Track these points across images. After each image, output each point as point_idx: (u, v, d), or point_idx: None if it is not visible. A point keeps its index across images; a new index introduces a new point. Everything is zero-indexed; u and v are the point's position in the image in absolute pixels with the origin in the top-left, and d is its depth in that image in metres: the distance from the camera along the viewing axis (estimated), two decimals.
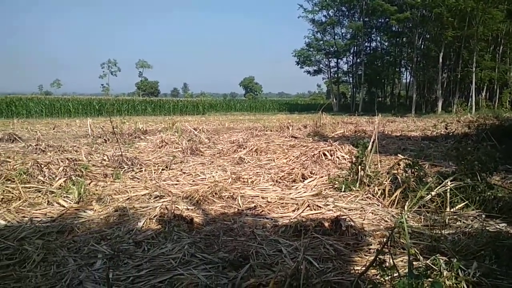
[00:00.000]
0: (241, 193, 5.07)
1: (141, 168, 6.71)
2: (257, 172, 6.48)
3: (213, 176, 6.17)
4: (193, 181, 5.96)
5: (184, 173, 6.53)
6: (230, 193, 5.04)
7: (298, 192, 5.14)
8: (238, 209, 4.44)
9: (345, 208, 4.43)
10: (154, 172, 6.41)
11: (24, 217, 4.03)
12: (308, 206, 4.41)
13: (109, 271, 2.59)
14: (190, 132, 12.52)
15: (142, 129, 13.52)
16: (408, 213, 4.11)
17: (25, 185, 4.99)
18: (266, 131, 13.84)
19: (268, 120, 22.67)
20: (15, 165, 6.10)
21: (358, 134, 12.79)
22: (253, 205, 4.60)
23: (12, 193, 4.70)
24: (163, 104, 41.88)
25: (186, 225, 3.77)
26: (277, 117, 30.27)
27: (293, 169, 6.36)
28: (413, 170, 4.74)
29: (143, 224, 3.72)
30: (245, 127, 16.81)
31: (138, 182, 5.77)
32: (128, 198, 4.80)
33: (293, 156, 7.81)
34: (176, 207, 4.25)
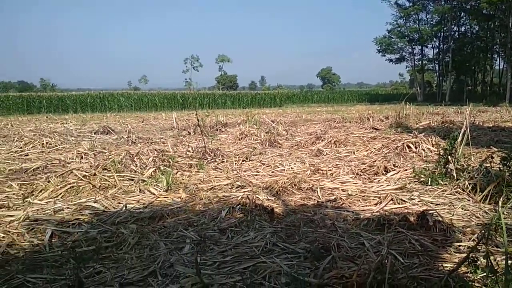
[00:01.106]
0: (320, 185, 5.05)
1: (222, 159, 6.94)
2: (336, 164, 6.40)
3: (291, 168, 6.21)
4: (272, 172, 6.04)
5: (263, 164, 6.65)
6: (309, 185, 5.04)
7: (381, 185, 5.00)
8: (317, 201, 4.43)
9: (431, 203, 4.23)
10: (235, 163, 6.60)
11: (119, 203, 4.38)
12: (392, 200, 4.27)
13: (197, 256, 2.73)
14: (268, 124, 12.68)
15: (222, 122, 13.95)
16: (504, 210, 3.81)
17: (120, 174, 5.41)
18: (345, 122, 13.57)
19: (347, 111, 22.16)
20: (109, 155, 6.63)
21: (446, 125, 12.04)
22: (333, 197, 4.56)
23: (109, 181, 5.14)
24: (242, 97, 42.78)
25: (267, 215, 3.85)
26: (356, 108, 29.50)
27: (375, 161, 6.19)
28: (508, 163, 4.38)
29: (227, 212, 3.87)
30: (323, 119, 16.62)
31: (221, 172, 5.99)
32: (212, 188, 5.01)
33: (374, 148, 7.58)
34: (257, 197, 4.35)
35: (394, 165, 5.89)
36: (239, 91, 70.24)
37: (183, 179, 5.45)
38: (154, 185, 5.00)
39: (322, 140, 8.73)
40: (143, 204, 4.35)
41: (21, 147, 8.67)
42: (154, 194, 4.68)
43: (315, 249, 2.92)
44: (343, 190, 4.86)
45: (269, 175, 5.83)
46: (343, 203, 4.32)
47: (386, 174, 5.56)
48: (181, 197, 4.60)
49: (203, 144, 7.66)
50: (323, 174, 5.76)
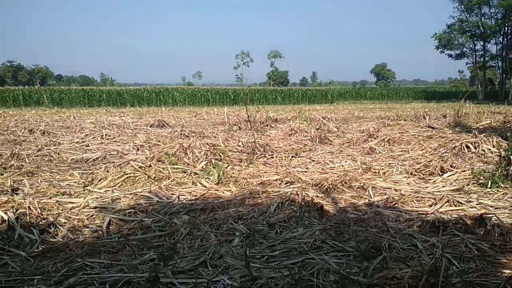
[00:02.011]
0: (372, 184, 4.94)
1: (272, 154, 6.96)
2: (389, 163, 6.23)
3: (342, 165, 6.13)
4: (322, 169, 5.99)
5: (313, 161, 6.60)
6: (360, 183, 4.95)
7: (436, 186, 4.81)
8: (369, 200, 4.34)
9: (491, 206, 4.02)
10: (285, 159, 6.60)
11: (172, 194, 4.53)
12: (448, 201, 4.10)
13: (247, 249, 2.77)
14: (319, 120, 12.56)
15: (273, 118, 13.99)
16: None
17: (173, 166, 5.58)
18: (400, 120, 13.15)
19: (402, 109, 21.46)
20: (164, 148, 6.85)
21: (508, 126, 11.35)
22: (385, 196, 4.45)
23: (163, 173, 5.31)
24: (292, 93, 42.58)
25: (316, 211, 3.83)
26: (412, 105, 28.49)
27: (430, 161, 5.95)
28: None
29: (276, 207, 3.88)
30: (376, 116, 16.20)
31: (270, 167, 6.02)
32: (261, 182, 5.05)
33: (430, 148, 7.30)
34: (306, 193, 4.33)
35: (451, 166, 5.65)
36: (290, 87, 70.01)
37: (233, 173, 5.54)
38: (206, 178, 5.12)
39: (375, 138, 8.52)
40: (195, 196, 4.47)
41: (82, 138, 9.16)
42: (206, 187, 4.79)
43: (365, 249, 2.87)
44: (396, 190, 4.73)
45: (319, 172, 5.78)
46: (395, 203, 4.20)
47: (442, 174, 5.34)
48: (231, 190, 4.67)
49: (253, 139, 7.72)
50: (375, 172, 5.63)
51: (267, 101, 39.44)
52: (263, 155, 6.89)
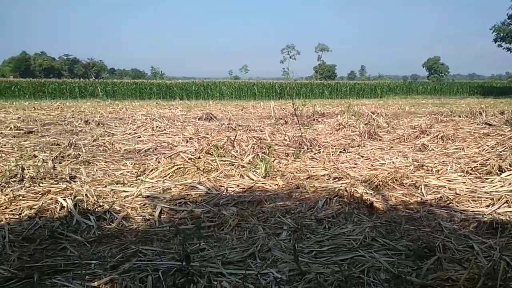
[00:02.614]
0: (424, 181, 4.77)
1: (319, 149, 6.89)
2: (443, 161, 5.98)
3: (393, 162, 5.96)
4: (372, 165, 5.85)
5: (362, 156, 6.47)
6: (412, 181, 4.79)
7: (494, 186, 4.57)
8: (421, 199, 4.20)
9: None
10: (332, 154, 6.51)
11: (221, 186, 4.60)
12: (506, 202, 3.89)
13: (296, 243, 2.77)
14: (368, 115, 12.27)
15: (319, 112, 13.82)
16: None
17: (221, 159, 5.66)
18: (454, 116, 12.60)
19: (456, 105, 20.52)
20: (212, 140, 6.95)
21: None
22: (438, 195, 4.28)
23: (211, 165, 5.40)
24: (340, 87, 41.82)
25: (366, 208, 3.76)
26: (467, 101, 27.19)
27: (488, 159, 5.66)
28: None
29: (324, 203, 3.85)
30: (428, 112, 15.61)
31: (317, 162, 5.96)
32: (309, 177, 5.01)
33: (487, 146, 6.94)
34: (355, 190, 4.25)
35: (510, 165, 5.34)
36: (337, 81, 68.83)
37: (280, 167, 5.53)
38: (253, 171, 5.15)
39: (427, 135, 8.21)
40: (243, 188, 4.51)
41: (134, 130, 9.48)
42: (253, 180, 4.82)
43: (418, 248, 2.78)
44: (450, 189, 4.54)
45: (368, 168, 5.66)
46: (449, 202, 4.04)
47: (500, 174, 5.06)
48: (278, 184, 4.67)
49: (300, 134, 7.67)
50: (427, 170, 5.43)
51: (314, 95, 39.01)
52: (310, 150, 6.83)
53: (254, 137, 7.40)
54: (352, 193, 4.01)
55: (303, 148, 6.88)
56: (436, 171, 5.38)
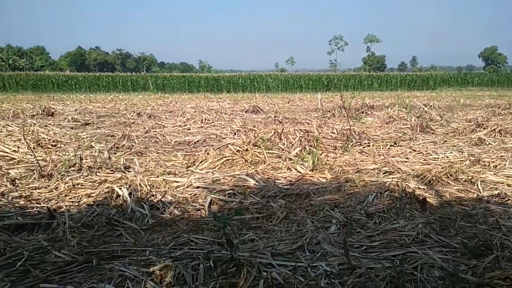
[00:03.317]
0: (481, 177, 4.55)
1: (368, 142, 6.75)
2: (501, 156, 5.68)
3: (447, 156, 5.72)
4: (424, 159, 5.66)
5: (414, 150, 6.26)
6: (467, 176, 4.58)
7: None
8: (477, 195, 4.01)
9: None
10: (382, 148, 6.36)
11: (268, 178, 4.62)
12: None
13: (346, 237, 2.74)
14: (420, 108, 11.84)
15: (369, 104, 13.51)
16: None
17: (268, 151, 5.68)
18: None
19: None
20: (259, 133, 6.99)
21: None
22: (496, 192, 4.08)
23: (259, 157, 5.44)
24: (390, 78, 40.59)
25: (418, 204, 3.65)
26: None
27: None
28: None
29: (374, 197, 3.77)
30: (485, 104, 14.84)
31: (367, 156, 5.84)
32: (358, 171, 4.93)
33: None
34: (407, 184, 4.13)
35: None
36: (387, 72, 66.83)
37: (328, 160, 5.48)
38: (300, 164, 5.13)
39: (484, 128, 7.82)
40: (290, 181, 4.51)
41: (184, 122, 9.72)
42: (301, 173, 4.80)
43: (474, 246, 2.67)
44: (509, 185, 4.31)
45: (420, 162, 5.48)
46: (508, 199, 3.84)
47: None
48: (326, 177, 4.63)
49: (348, 127, 7.54)
50: (484, 165, 5.17)
51: (362, 87, 38.13)
52: (359, 143, 6.70)
53: (301, 130, 7.36)
54: (404, 188, 3.91)
55: (352, 141, 6.77)
56: (493, 166, 5.11)
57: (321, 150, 6.05)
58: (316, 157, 5.18)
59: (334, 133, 7.55)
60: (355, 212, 3.45)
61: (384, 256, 2.60)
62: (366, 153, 6.07)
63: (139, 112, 11.71)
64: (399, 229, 3.06)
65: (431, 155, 5.89)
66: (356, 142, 6.74)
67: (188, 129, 8.85)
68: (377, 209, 3.48)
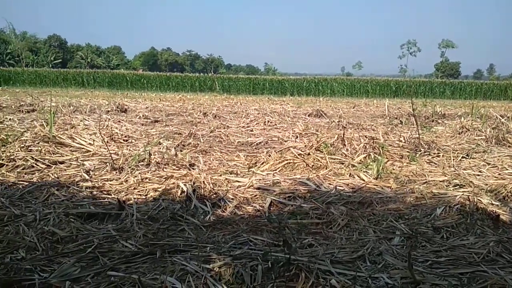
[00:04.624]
0: None
1: (438, 153, 6.43)
2: None
3: None
4: (499, 174, 5.28)
5: (488, 164, 5.86)
6: None
7: None
8: None
9: None
10: (453, 159, 6.03)
11: (330, 184, 4.56)
12: None
13: (410, 250, 2.63)
14: (496, 119, 11.08)
15: (440, 113, 12.88)
16: None
17: (331, 156, 5.60)
18: None
19: None
20: (322, 138, 6.91)
21: None
22: None
23: (321, 162, 5.38)
24: (464, 86, 38.44)
25: (490, 221, 3.41)
26: None
27: None
28: None
29: (442, 211, 3.59)
30: None
31: (435, 167, 5.57)
32: (425, 182, 4.71)
33: None
34: (479, 199, 3.88)
35: None
36: (461, 79, 63.24)
37: (393, 169, 5.29)
38: (364, 171, 5.00)
39: None
40: (352, 188, 4.41)
41: (248, 123, 9.86)
42: (364, 180, 4.68)
43: None
44: None
45: (495, 177, 5.12)
46: None
47: None
48: (391, 187, 4.48)
49: (417, 135, 7.23)
50: None
51: (434, 95, 36.44)
52: (428, 153, 6.41)
53: (366, 136, 7.18)
54: (475, 203, 3.67)
55: (420, 151, 6.48)
56: None
57: (387, 158, 5.85)
58: (381, 165, 5.02)
59: (401, 141, 7.29)
60: (421, 225, 3.30)
61: (451, 273, 2.46)
62: (435, 163, 5.79)
63: (205, 112, 12.06)
64: (468, 246, 2.88)
65: (507, 169, 5.48)
66: (425, 152, 6.45)
67: (251, 131, 8.97)
68: (445, 223, 3.31)
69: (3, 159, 5.07)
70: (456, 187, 4.53)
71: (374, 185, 4.53)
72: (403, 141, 7.25)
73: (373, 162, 5.21)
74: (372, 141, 6.72)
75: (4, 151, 5.41)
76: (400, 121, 11.26)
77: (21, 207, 3.55)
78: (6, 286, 2.20)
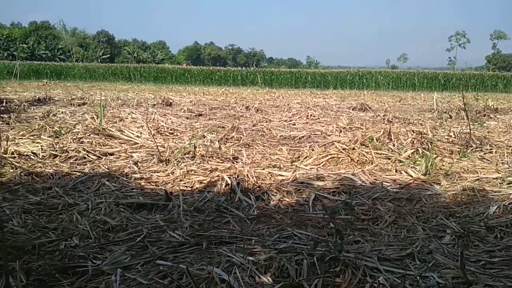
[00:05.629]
0: None
1: (491, 149, 6.12)
2: None
3: None
4: None
5: None
6: None
7: None
8: None
9: None
10: (507, 156, 5.72)
11: (375, 179, 4.45)
12: None
13: (463, 249, 2.53)
14: None
15: (492, 107, 12.27)
16: None
17: (377, 151, 5.47)
18: None
19: None
20: (367, 132, 6.76)
21: None
22: None
23: (366, 157, 5.27)
24: None
25: None
26: None
27: None
28: None
29: (496, 209, 3.42)
30: None
31: (488, 163, 5.31)
32: (477, 179, 4.50)
33: None
34: None
35: None
36: None
37: (443, 165, 5.09)
38: (412, 167, 4.85)
39: None
40: (400, 184, 4.30)
41: (290, 117, 9.82)
42: (412, 176, 4.54)
43: None
44: None
45: None
46: None
47: None
48: (441, 183, 4.32)
49: (468, 130, 6.93)
50: None
51: (485, 88, 34.72)
52: (480, 149, 6.12)
53: (413, 130, 6.96)
54: None
55: (471, 147, 6.21)
56: None
57: (436, 153, 5.65)
58: (430, 161, 4.85)
59: (450, 136, 7.02)
60: (473, 224, 3.17)
61: (505, 274, 2.35)
62: (488, 160, 5.52)
63: (248, 105, 12.11)
64: None
65: None
66: (477, 148, 6.17)
67: (294, 124, 8.92)
68: (498, 223, 3.15)
69: (56, 150, 5.33)
70: (511, 185, 4.31)
71: (422, 181, 4.38)
72: (453, 136, 6.98)
73: (421, 158, 5.04)
74: (420, 136, 6.50)
75: (58, 142, 5.69)
76: (450, 115, 10.83)
77: (74, 197, 3.72)
78: (61, 272, 2.31)
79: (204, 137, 6.65)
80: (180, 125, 8.15)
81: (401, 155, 5.37)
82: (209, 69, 40.51)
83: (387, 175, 4.62)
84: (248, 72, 37.81)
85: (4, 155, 4.86)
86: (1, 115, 8.39)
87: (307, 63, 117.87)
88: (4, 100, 11.44)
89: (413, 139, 6.11)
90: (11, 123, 7.79)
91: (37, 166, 4.76)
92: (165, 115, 9.28)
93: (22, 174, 4.39)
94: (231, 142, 6.50)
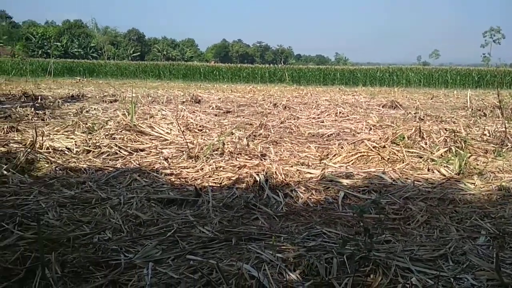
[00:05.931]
0: None
1: None
2: None
3: None
4: None
5: None
6: None
7: None
8: None
9: None
10: None
11: (407, 178, 4.37)
12: None
13: (498, 251, 2.45)
14: None
15: None
16: None
17: (408, 150, 5.36)
18: None
19: None
20: (398, 130, 6.63)
21: None
22: None
23: (397, 155, 5.17)
24: None
25: None
26: None
27: None
28: None
29: None
30: None
31: None
32: None
33: None
34: None
35: None
36: None
37: (477, 164, 4.95)
38: (445, 166, 4.73)
39: None
40: (432, 183, 4.20)
41: (318, 115, 9.74)
42: (445, 176, 4.43)
43: None
44: None
45: None
46: None
47: None
48: (475, 183, 4.19)
49: (503, 129, 6.70)
50: None
51: None
52: None
53: (445, 129, 6.79)
54: None
55: (507, 146, 6.00)
56: None
57: (470, 152, 5.49)
58: (464, 160, 4.72)
59: (485, 134, 6.82)
60: (509, 225, 3.06)
61: None
62: None
63: (275, 103, 12.09)
64: None
65: None
66: None
67: (322, 122, 8.85)
68: None
69: (90, 146, 5.48)
70: None
71: (456, 180, 4.27)
72: (488, 134, 6.78)
73: (454, 157, 4.91)
74: (453, 134, 6.34)
75: (91, 138, 5.85)
76: (484, 113, 10.50)
77: (107, 191, 3.81)
78: (95, 264, 2.38)
79: (232, 134, 6.69)
80: (208, 122, 8.22)
81: (434, 153, 5.25)
82: (237, 66, 40.58)
83: (418, 174, 4.53)
84: (276, 69, 37.68)
85: (40, 150, 5.03)
86: (37, 112, 8.69)
87: (336, 59, 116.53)
88: (39, 97, 11.86)
89: (446, 138, 5.96)
90: (46, 119, 8.06)
91: (71, 161, 4.91)
92: (194, 112, 9.38)
93: (57, 168, 4.54)
94: (259, 139, 6.51)
